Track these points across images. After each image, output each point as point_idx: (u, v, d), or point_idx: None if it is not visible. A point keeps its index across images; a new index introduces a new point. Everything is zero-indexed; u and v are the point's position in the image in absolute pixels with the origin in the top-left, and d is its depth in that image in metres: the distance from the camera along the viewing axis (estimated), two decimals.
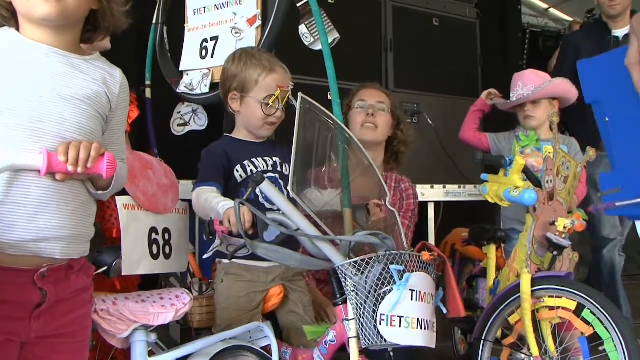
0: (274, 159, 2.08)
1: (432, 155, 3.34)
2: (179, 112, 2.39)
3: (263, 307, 2.01)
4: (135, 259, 1.80)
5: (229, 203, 1.77)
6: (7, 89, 1.27)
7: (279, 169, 2.08)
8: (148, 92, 2.42)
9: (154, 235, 1.88)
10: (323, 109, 1.86)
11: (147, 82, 2.42)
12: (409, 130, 2.53)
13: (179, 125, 2.39)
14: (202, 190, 1.90)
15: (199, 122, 2.39)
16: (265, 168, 2.05)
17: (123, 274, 1.77)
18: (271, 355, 1.84)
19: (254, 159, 2.04)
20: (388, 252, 1.65)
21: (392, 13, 3.60)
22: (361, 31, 3.38)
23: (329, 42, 2.01)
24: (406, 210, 2.49)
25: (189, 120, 2.39)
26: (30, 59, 1.31)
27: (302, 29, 2.02)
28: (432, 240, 2.99)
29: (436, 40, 3.75)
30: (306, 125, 1.83)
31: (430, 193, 3.09)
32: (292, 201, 1.74)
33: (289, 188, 1.76)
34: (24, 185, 1.25)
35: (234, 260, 1.96)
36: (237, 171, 2.02)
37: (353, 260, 1.67)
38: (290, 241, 1.77)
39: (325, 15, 2.03)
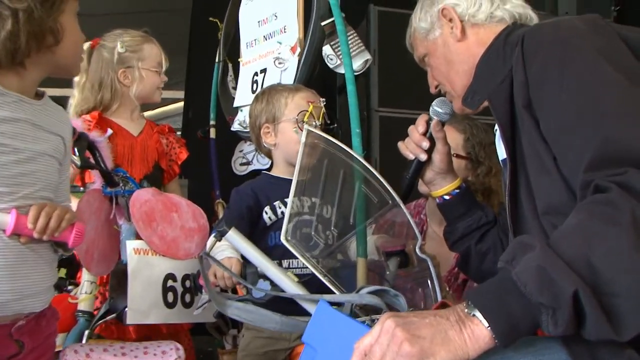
0: (313, 199, 1.85)
1: None
2: (241, 151, 2.30)
3: None
4: (143, 307, 1.71)
5: (224, 253, 1.61)
6: None
7: (317, 210, 1.84)
8: (212, 132, 2.38)
9: (170, 282, 1.78)
10: (336, 141, 1.61)
11: (212, 122, 2.39)
12: None
13: (241, 164, 2.30)
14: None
15: (262, 160, 2.27)
16: (300, 210, 1.83)
17: (128, 322, 1.70)
18: None
19: (287, 199, 1.84)
20: None
21: None
22: None
23: (359, 63, 1.76)
24: None
25: (251, 159, 2.28)
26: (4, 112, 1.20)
27: (327, 49, 1.79)
28: None
29: None
30: (312, 163, 1.60)
31: None
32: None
33: (281, 236, 1.55)
34: None
35: None
36: (266, 213, 1.84)
37: None
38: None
39: (355, 34, 1.78)
